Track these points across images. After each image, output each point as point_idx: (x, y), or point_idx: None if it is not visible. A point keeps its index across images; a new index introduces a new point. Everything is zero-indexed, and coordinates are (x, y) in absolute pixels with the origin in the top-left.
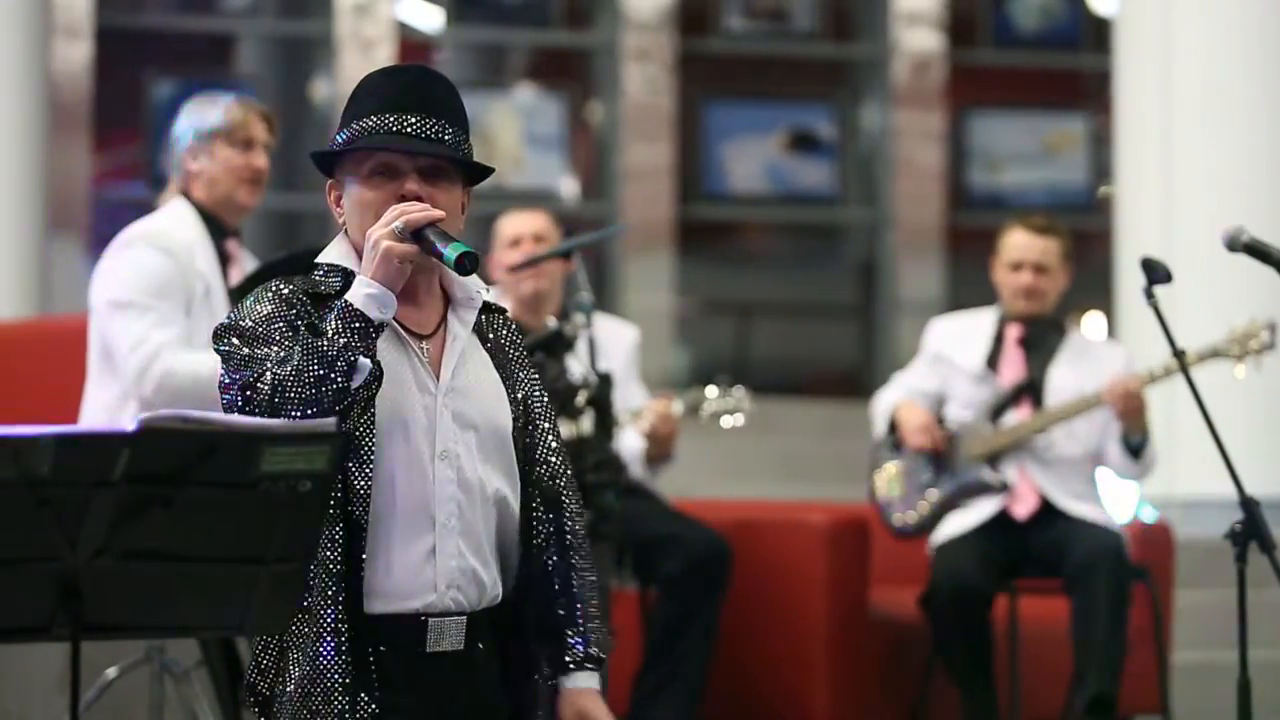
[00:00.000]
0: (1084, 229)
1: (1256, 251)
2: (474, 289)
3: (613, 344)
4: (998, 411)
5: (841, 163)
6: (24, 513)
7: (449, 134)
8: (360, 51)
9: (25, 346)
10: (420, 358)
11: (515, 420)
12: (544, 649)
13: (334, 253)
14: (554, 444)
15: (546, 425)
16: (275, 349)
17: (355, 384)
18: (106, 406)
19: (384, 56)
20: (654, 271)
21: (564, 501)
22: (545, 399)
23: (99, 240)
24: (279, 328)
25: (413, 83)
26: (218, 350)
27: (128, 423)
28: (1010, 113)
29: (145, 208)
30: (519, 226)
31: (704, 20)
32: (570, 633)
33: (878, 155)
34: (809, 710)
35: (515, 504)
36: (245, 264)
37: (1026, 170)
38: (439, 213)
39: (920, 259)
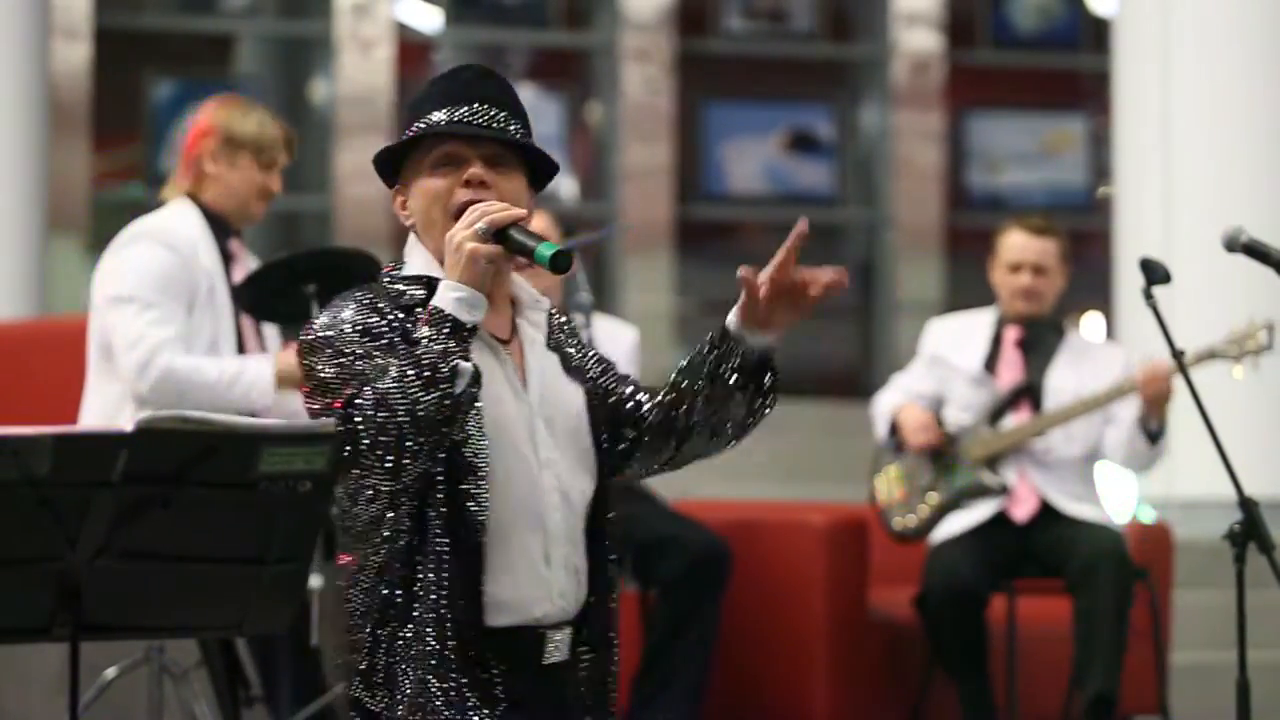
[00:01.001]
0: (1083, 229)
1: (1255, 252)
2: (537, 292)
3: (612, 345)
4: (996, 414)
5: (840, 163)
6: (24, 513)
7: (513, 125)
8: (359, 52)
9: (25, 347)
10: (510, 366)
11: (593, 408)
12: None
13: (416, 262)
14: (627, 382)
15: (616, 380)
16: (368, 362)
17: (458, 389)
18: (107, 404)
19: (383, 57)
20: (653, 272)
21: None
22: (605, 361)
23: (98, 241)
24: (370, 339)
25: (472, 78)
26: (304, 364)
27: (127, 422)
28: (1009, 113)
29: (144, 208)
30: None
31: (703, 21)
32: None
33: (877, 156)
34: (808, 711)
35: (590, 504)
36: (248, 263)
37: (1025, 170)
38: (521, 211)
39: (919, 259)
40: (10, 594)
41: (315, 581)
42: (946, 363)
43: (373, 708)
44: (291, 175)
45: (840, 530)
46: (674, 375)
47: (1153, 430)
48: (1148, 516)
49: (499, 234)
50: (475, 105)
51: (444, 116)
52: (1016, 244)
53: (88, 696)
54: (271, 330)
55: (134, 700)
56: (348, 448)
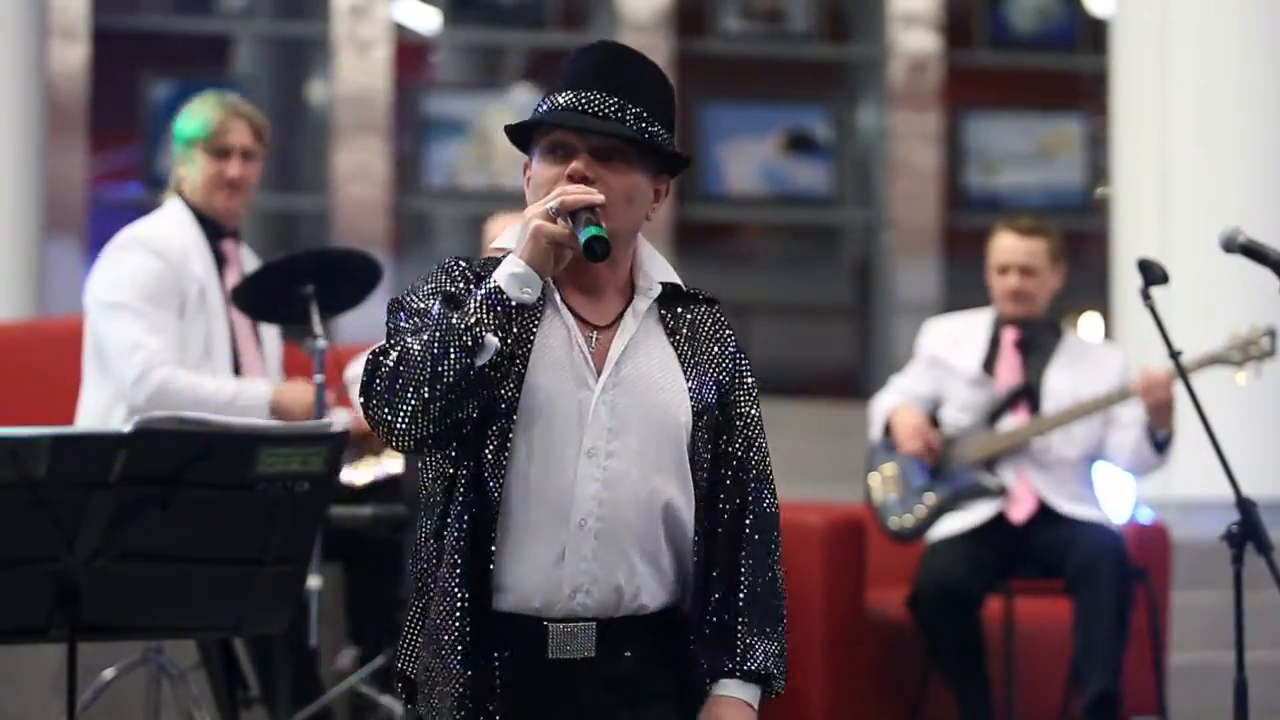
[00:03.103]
0: (1080, 230)
1: (1253, 253)
2: (656, 279)
3: None
4: (994, 415)
5: (838, 164)
6: (21, 513)
7: (630, 114)
8: (357, 52)
9: (22, 347)
10: (585, 349)
11: (700, 416)
12: (704, 655)
13: (511, 235)
14: (748, 437)
15: (741, 422)
16: (421, 320)
17: (479, 362)
18: (100, 407)
19: (380, 57)
20: None
21: (747, 501)
22: (749, 392)
23: (96, 241)
24: (435, 302)
25: (600, 60)
26: (386, 325)
27: (120, 422)
28: (1007, 114)
29: (142, 209)
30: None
31: (700, 21)
32: (736, 640)
33: (874, 156)
34: (806, 711)
35: (687, 506)
36: (246, 264)
37: (1023, 171)
38: (598, 197)
39: (917, 260)
40: (8, 595)
41: (314, 582)
42: (944, 364)
43: (410, 674)
44: (289, 176)
45: (837, 530)
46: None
47: (1160, 439)
48: (1146, 517)
49: (572, 216)
50: (593, 93)
51: (564, 100)
52: (1004, 246)
53: (85, 697)
54: (271, 331)
55: (132, 701)
56: (363, 398)
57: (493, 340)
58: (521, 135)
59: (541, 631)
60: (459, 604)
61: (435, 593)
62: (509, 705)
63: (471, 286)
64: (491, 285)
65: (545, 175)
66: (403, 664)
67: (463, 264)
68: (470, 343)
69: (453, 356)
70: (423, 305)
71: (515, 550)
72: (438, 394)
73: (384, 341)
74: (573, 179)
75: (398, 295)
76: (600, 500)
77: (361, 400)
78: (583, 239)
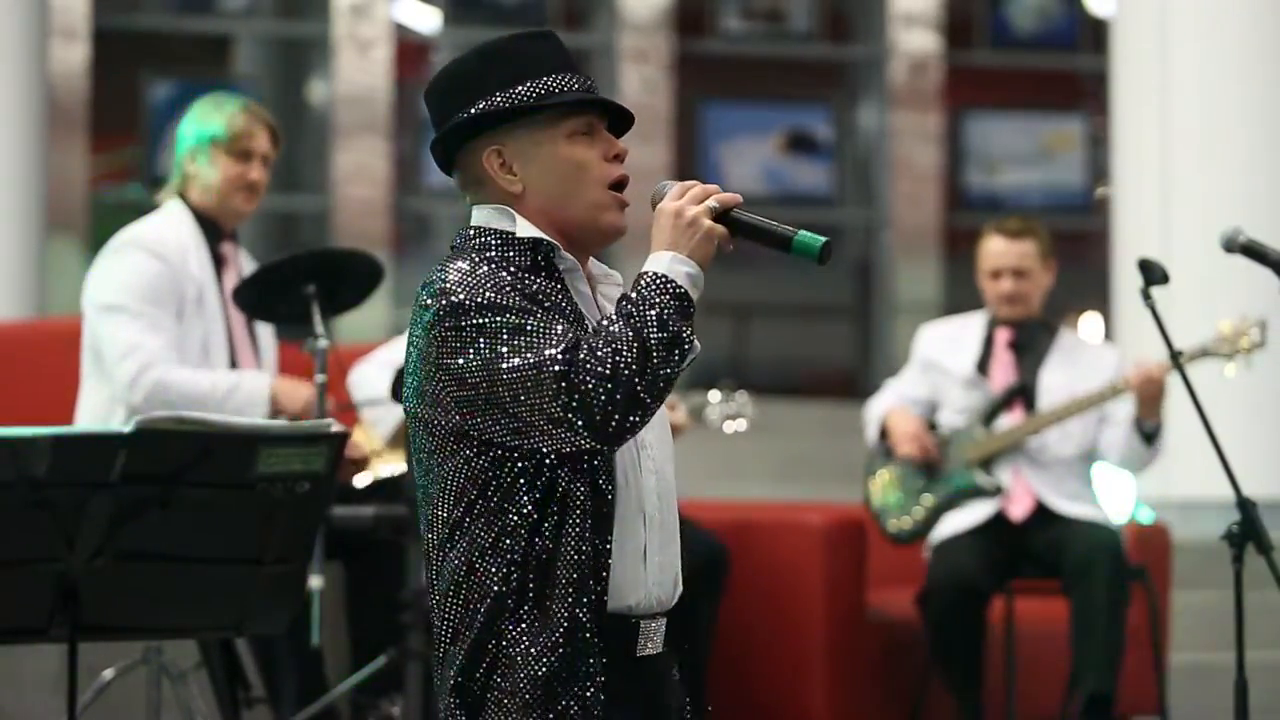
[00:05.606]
0: (1081, 230)
1: (1253, 252)
2: (606, 267)
3: None
4: (990, 416)
5: (839, 164)
6: (22, 513)
7: None
8: (357, 52)
9: (23, 347)
10: None
11: None
12: None
13: (523, 227)
14: None
15: None
16: (542, 317)
17: (685, 364)
18: (100, 407)
19: (381, 57)
20: None
21: None
22: None
23: (96, 241)
24: (519, 295)
25: (565, 48)
26: (457, 327)
27: (119, 424)
28: (1007, 114)
29: (142, 209)
30: None
31: (701, 21)
32: None
33: (875, 156)
34: (806, 711)
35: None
36: (242, 266)
37: (1023, 171)
38: (738, 196)
39: (917, 260)
40: (8, 595)
41: (316, 582)
42: (939, 367)
43: (475, 691)
44: (289, 176)
45: (838, 531)
46: None
47: (1148, 430)
48: (1146, 517)
49: (723, 215)
50: (584, 76)
51: (567, 83)
52: (994, 250)
53: (86, 697)
54: (266, 331)
55: (132, 701)
56: (561, 401)
57: (697, 345)
58: (456, 133)
59: (632, 629)
60: (582, 609)
61: (552, 607)
62: (611, 708)
63: (526, 275)
64: (675, 283)
65: (587, 156)
66: (467, 685)
67: (480, 257)
68: (687, 345)
69: (674, 359)
70: (515, 303)
71: (614, 549)
72: (655, 397)
73: (511, 340)
74: (621, 158)
75: (464, 294)
76: (658, 493)
77: (565, 405)
78: (816, 244)
